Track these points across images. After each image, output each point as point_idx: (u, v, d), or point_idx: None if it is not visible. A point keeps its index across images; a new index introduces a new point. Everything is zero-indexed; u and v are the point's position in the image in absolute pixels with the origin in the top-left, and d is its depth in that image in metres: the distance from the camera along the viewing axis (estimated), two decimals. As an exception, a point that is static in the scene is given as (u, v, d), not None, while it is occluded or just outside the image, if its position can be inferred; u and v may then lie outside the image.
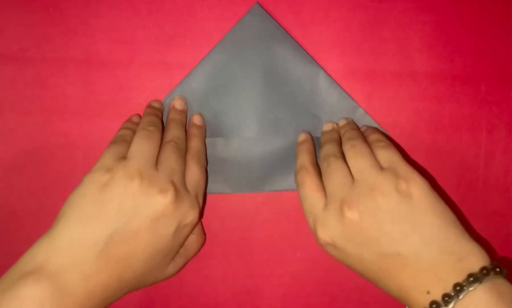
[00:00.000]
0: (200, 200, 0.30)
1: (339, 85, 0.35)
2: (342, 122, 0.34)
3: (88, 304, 0.25)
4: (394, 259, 0.26)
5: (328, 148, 0.31)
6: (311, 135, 0.34)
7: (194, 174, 0.30)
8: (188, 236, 0.30)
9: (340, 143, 0.32)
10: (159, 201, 0.27)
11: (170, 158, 0.29)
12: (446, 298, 0.23)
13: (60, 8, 0.35)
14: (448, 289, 0.24)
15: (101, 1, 0.35)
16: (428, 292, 0.24)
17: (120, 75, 0.35)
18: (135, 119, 0.34)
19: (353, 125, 0.34)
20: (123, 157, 0.29)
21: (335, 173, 0.29)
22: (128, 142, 0.30)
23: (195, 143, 0.32)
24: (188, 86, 0.34)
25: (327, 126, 0.34)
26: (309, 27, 0.35)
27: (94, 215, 0.26)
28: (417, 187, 0.27)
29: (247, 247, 0.36)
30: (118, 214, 0.26)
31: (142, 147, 0.29)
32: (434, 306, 0.24)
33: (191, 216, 0.29)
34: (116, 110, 0.35)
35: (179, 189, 0.28)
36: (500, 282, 0.24)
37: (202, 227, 0.35)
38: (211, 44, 0.35)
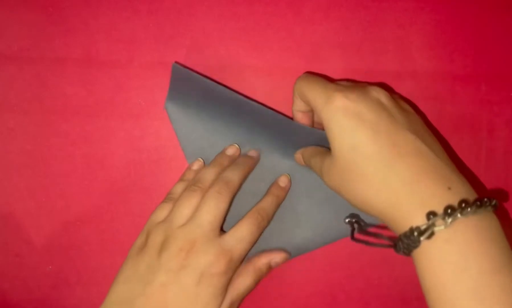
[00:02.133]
0: (236, 252, 0.29)
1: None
2: None
3: None
4: (407, 145, 0.25)
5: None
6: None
7: (244, 229, 0.30)
8: (221, 285, 0.29)
9: None
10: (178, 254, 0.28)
11: (205, 203, 0.30)
12: (449, 211, 0.22)
13: (60, 8, 0.35)
14: (462, 196, 0.23)
15: (101, 1, 0.35)
16: (449, 188, 0.23)
17: (120, 75, 0.35)
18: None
19: None
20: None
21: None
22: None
23: (266, 202, 0.32)
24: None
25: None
26: (309, 27, 0.35)
27: (131, 274, 0.29)
28: (410, 107, 0.29)
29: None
30: (147, 271, 0.28)
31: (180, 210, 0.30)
32: (431, 216, 0.23)
33: (217, 266, 0.28)
34: (116, 110, 0.35)
35: (200, 239, 0.28)
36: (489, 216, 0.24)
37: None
38: (211, 44, 0.35)
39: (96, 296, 0.36)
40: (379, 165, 0.25)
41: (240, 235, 0.30)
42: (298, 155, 0.34)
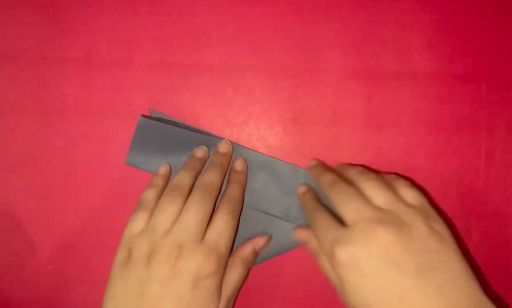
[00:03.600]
0: (222, 246, 0.29)
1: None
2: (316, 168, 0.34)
3: None
4: (418, 285, 0.24)
5: (329, 176, 0.31)
6: (310, 186, 0.34)
7: (219, 221, 0.30)
8: (215, 286, 0.28)
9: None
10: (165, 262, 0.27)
11: (190, 207, 0.29)
12: None
13: (60, 8, 0.35)
14: None
15: (101, 1, 0.35)
16: None
17: (120, 75, 0.35)
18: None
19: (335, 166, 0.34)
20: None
21: (353, 196, 0.28)
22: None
23: (230, 190, 0.32)
24: None
25: (311, 165, 0.34)
26: (309, 27, 0.35)
27: (121, 291, 0.27)
28: (445, 230, 0.26)
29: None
30: (138, 285, 0.27)
31: (159, 217, 0.29)
32: None
33: (207, 266, 0.28)
34: (116, 110, 0.35)
35: (187, 243, 0.28)
36: None
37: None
38: (211, 44, 0.35)
39: (96, 296, 0.36)
40: None
41: (219, 229, 0.29)
42: (302, 236, 0.32)
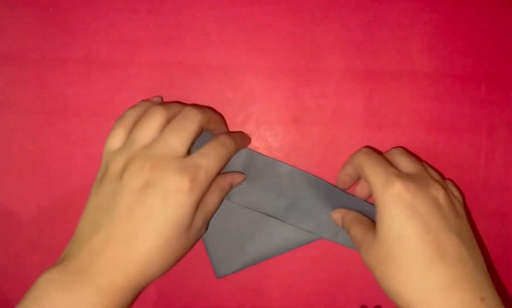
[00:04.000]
0: (202, 168, 0.27)
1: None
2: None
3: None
4: (452, 249, 0.26)
5: (364, 149, 0.33)
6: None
7: (207, 147, 0.29)
8: (189, 204, 0.27)
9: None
10: (138, 174, 0.26)
11: (174, 125, 0.28)
12: None
13: (60, 8, 0.35)
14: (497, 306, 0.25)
15: (101, 1, 0.35)
16: (482, 299, 0.25)
17: (120, 75, 0.35)
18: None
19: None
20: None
21: (383, 163, 0.30)
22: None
23: (227, 134, 0.32)
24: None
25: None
26: (309, 27, 0.35)
27: (95, 204, 0.28)
28: (463, 211, 0.30)
29: (247, 247, 0.36)
30: (111, 196, 0.27)
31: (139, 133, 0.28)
32: None
33: (180, 181, 0.26)
34: (116, 110, 0.35)
35: (164, 156, 0.27)
36: None
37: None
38: (211, 44, 0.35)
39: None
40: (421, 262, 0.26)
41: (204, 152, 0.28)
42: (337, 215, 0.33)
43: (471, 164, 0.36)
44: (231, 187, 0.33)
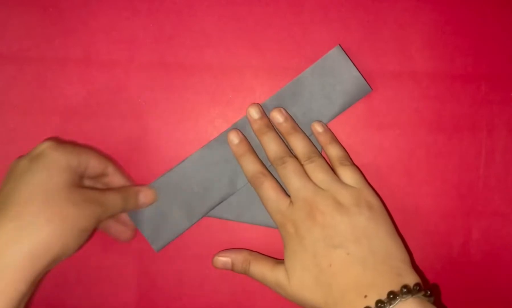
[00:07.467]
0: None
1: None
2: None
3: None
4: (343, 256, 0.28)
5: (279, 148, 0.33)
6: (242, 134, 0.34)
7: None
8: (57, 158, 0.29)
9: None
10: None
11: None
12: (380, 304, 0.26)
13: (60, 8, 0.35)
14: (383, 296, 0.26)
15: (101, 1, 0.35)
16: (365, 296, 0.27)
17: (120, 75, 0.35)
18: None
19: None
20: None
21: (293, 175, 0.32)
22: None
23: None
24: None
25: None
26: (309, 27, 0.35)
27: None
28: (376, 203, 0.31)
29: (247, 247, 0.36)
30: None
31: None
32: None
33: (39, 147, 0.29)
34: (116, 110, 0.35)
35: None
36: (427, 302, 0.26)
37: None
38: (211, 44, 0.35)
39: (96, 296, 0.36)
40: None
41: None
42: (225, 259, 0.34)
43: (472, 163, 0.36)
44: (137, 206, 0.33)
